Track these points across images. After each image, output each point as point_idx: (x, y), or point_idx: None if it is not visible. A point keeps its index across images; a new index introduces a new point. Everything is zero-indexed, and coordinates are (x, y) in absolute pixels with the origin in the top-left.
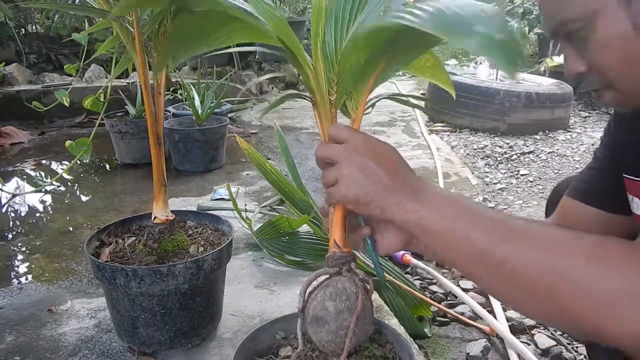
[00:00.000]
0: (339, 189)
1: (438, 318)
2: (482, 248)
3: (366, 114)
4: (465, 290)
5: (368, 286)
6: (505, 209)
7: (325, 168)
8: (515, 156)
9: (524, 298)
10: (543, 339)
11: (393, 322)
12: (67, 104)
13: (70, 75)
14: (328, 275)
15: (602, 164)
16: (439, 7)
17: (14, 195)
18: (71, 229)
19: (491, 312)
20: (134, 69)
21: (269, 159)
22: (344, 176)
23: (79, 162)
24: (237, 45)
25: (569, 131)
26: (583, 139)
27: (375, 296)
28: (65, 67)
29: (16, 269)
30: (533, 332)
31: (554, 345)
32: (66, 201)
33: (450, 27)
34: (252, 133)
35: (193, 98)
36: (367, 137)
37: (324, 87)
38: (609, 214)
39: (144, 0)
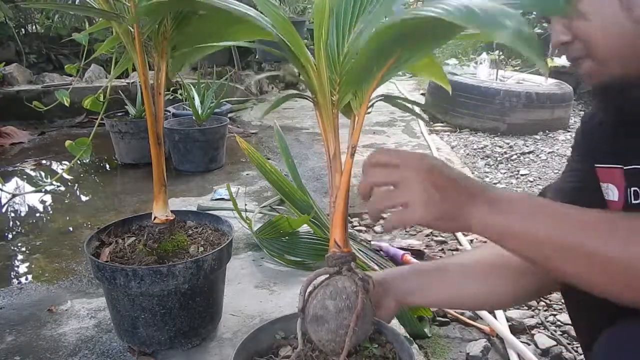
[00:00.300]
0: (416, 212)
1: (438, 318)
2: (570, 241)
3: (366, 113)
4: None
5: (368, 285)
6: None
7: (376, 193)
8: (515, 156)
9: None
10: (543, 339)
11: (393, 322)
12: (67, 104)
13: (71, 75)
14: (328, 275)
15: (578, 165)
16: (463, 3)
17: (14, 195)
18: (71, 229)
19: (491, 312)
20: (134, 69)
21: (269, 159)
22: (418, 199)
23: (79, 162)
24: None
25: (569, 131)
26: None
27: None
28: (65, 67)
29: (16, 269)
30: (533, 332)
31: (554, 345)
32: (66, 201)
33: (483, 20)
34: (252, 133)
35: (193, 98)
36: (421, 154)
37: (326, 87)
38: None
39: (160, 7)
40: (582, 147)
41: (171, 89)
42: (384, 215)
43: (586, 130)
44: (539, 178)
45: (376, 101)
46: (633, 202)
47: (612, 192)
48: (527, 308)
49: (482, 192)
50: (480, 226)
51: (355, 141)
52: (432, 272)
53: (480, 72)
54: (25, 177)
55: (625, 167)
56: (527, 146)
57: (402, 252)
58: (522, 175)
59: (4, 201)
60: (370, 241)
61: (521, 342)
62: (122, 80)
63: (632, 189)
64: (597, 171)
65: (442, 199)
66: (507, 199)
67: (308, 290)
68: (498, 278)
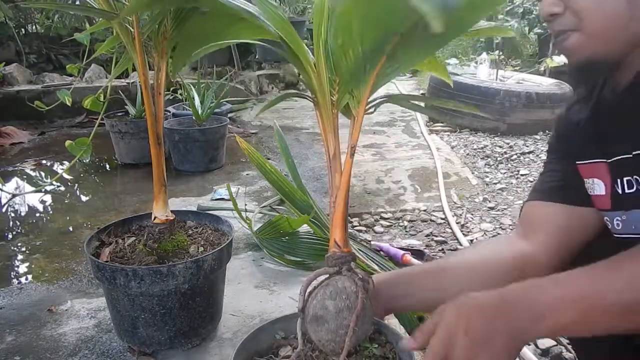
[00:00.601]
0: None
1: None
2: (616, 304)
3: (368, 113)
4: None
5: (368, 285)
6: (505, 209)
7: None
8: (515, 156)
9: None
10: (543, 339)
11: (393, 322)
12: (69, 104)
13: (71, 75)
14: (328, 275)
15: (556, 166)
16: None
17: (14, 195)
18: (71, 229)
19: None
20: (134, 69)
21: (269, 159)
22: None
23: (79, 162)
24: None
25: None
26: None
27: None
28: (67, 67)
29: (16, 269)
30: None
31: (554, 345)
32: (66, 201)
33: None
34: (252, 133)
35: (193, 98)
36: (444, 313)
37: (325, 87)
38: (572, 207)
39: (154, 2)
40: (559, 148)
41: (171, 89)
42: None
43: (562, 131)
44: None
45: (380, 102)
46: (626, 191)
47: (598, 187)
48: None
49: (514, 303)
50: (539, 335)
51: (355, 141)
52: (419, 275)
53: (480, 72)
54: (25, 177)
55: (608, 160)
56: (527, 146)
57: (402, 252)
58: (522, 175)
59: (4, 201)
60: (370, 241)
61: None
62: (122, 80)
63: (625, 179)
64: (579, 168)
65: (495, 344)
66: (540, 294)
67: (308, 290)
68: (488, 278)
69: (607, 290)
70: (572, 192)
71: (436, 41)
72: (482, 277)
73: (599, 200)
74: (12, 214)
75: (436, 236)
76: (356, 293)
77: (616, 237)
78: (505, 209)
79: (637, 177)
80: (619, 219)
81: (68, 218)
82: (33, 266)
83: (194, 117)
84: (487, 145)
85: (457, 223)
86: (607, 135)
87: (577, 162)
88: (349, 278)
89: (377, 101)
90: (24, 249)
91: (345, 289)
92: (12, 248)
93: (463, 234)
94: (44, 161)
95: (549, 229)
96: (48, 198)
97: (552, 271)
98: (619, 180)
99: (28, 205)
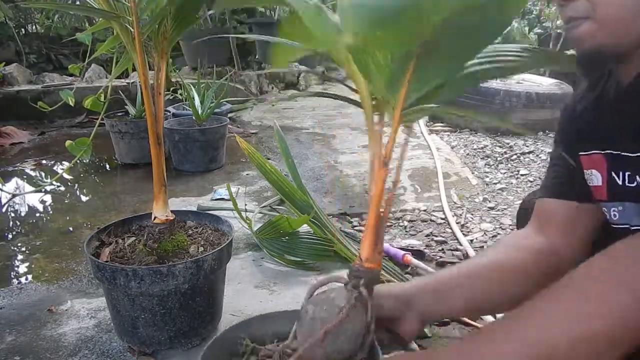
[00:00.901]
0: None
1: None
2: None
3: (406, 126)
4: None
5: (363, 306)
6: (505, 209)
7: None
8: (515, 156)
9: None
10: None
11: None
12: (72, 104)
13: (71, 75)
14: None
15: (561, 162)
16: None
17: (14, 195)
18: (71, 229)
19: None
20: (134, 69)
21: (269, 159)
22: None
23: (79, 162)
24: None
25: None
26: None
27: None
28: (69, 67)
29: (16, 269)
30: None
31: None
32: (66, 201)
33: None
34: (252, 133)
35: (193, 98)
36: None
37: (364, 91)
38: (579, 204)
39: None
40: (561, 140)
41: (171, 89)
42: None
43: (565, 123)
44: (539, 178)
45: (417, 112)
46: (627, 184)
47: (595, 178)
48: None
49: None
50: None
51: (388, 151)
52: (446, 282)
53: None
54: (25, 177)
55: (604, 152)
56: (527, 146)
57: (402, 252)
58: (522, 175)
59: (4, 201)
60: None
61: None
62: (122, 80)
63: (626, 173)
64: (581, 159)
65: None
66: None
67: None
68: (512, 279)
69: (550, 329)
70: (576, 187)
71: (467, 48)
72: (510, 278)
73: (596, 191)
74: (12, 214)
75: (436, 236)
76: (341, 309)
77: (614, 228)
78: (505, 209)
79: (638, 175)
80: (616, 209)
81: (68, 218)
82: (33, 266)
83: (194, 117)
84: (487, 145)
85: (457, 223)
86: (608, 128)
87: (580, 154)
88: (347, 293)
89: (412, 109)
90: (24, 249)
91: (332, 300)
92: (12, 248)
93: (463, 234)
94: (44, 161)
95: (564, 224)
96: (48, 198)
97: (575, 265)
98: (620, 173)
99: (28, 205)
